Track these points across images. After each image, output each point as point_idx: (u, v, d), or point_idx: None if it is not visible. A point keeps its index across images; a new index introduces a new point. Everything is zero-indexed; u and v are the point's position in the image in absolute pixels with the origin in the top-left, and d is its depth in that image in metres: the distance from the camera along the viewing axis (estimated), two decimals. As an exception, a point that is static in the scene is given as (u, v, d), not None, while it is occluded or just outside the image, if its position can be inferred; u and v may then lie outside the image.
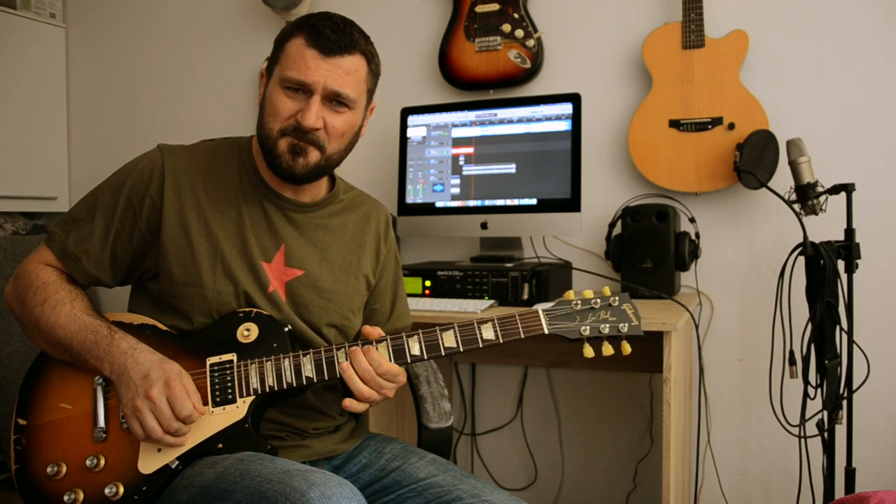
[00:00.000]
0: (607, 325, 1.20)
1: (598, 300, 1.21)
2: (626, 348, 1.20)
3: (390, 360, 1.19)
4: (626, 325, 1.20)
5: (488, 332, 1.19)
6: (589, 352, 1.20)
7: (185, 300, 1.23)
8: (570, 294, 1.22)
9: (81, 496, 1.13)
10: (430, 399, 1.48)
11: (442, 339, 1.19)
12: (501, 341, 1.19)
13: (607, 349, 1.20)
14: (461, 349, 1.19)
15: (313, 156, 1.23)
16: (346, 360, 1.19)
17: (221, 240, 1.25)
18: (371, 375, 1.17)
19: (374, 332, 1.27)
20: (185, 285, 1.23)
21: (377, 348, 1.20)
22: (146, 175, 1.25)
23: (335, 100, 1.21)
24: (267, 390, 1.18)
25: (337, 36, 1.18)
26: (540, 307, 1.22)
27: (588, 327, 1.20)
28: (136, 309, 1.30)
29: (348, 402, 1.19)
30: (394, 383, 1.21)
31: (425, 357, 1.20)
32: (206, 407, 1.17)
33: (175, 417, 1.11)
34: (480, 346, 1.19)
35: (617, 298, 1.21)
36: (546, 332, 1.19)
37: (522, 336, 1.19)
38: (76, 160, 3.00)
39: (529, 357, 2.27)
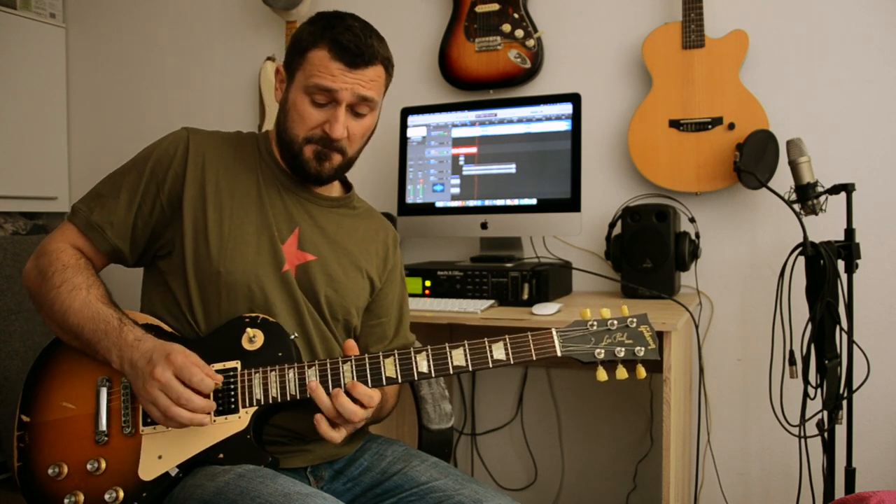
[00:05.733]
0: (623, 349, 1.14)
1: (616, 321, 1.15)
2: (641, 372, 1.13)
3: (397, 376, 1.16)
4: (643, 348, 1.14)
5: (499, 352, 1.15)
6: (602, 375, 1.15)
7: (196, 277, 1.23)
8: (586, 313, 1.16)
9: (82, 499, 1.13)
10: (431, 400, 1.48)
11: (451, 358, 1.16)
12: (512, 362, 1.14)
13: (621, 373, 1.14)
14: (470, 368, 1.15)
15: (336, 159, 1.29)
16: (353, 375, 1.16)
17: (237, 217, 1.27)
18: (360, 417, 1.14)
19: (354, 348, 1.23)
20: (197, 260, 1.24)
21: (384, 365, 1.16)
22: (171, 150, 1.28)
23: (358, 105, 1.25)
24: (270, 402, 1.16)
25: (361, 49, 1.22)
26: (554, 329, 1.16)
27: (603, 350, 1.14)
28: (147, 289, 1.32)
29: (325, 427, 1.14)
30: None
31: (433, 375, 1.16)
32: (217, 375, 1.13)
33: (184, 386, 1.08)
34: (490, 366, 1.14)
35: (634, 320, 1.16)
36: (559, 354, 1.14)
37: (534, 357, 1.14)
38: (76, 160, 3.00)
39: (529, 357, 2.27)
